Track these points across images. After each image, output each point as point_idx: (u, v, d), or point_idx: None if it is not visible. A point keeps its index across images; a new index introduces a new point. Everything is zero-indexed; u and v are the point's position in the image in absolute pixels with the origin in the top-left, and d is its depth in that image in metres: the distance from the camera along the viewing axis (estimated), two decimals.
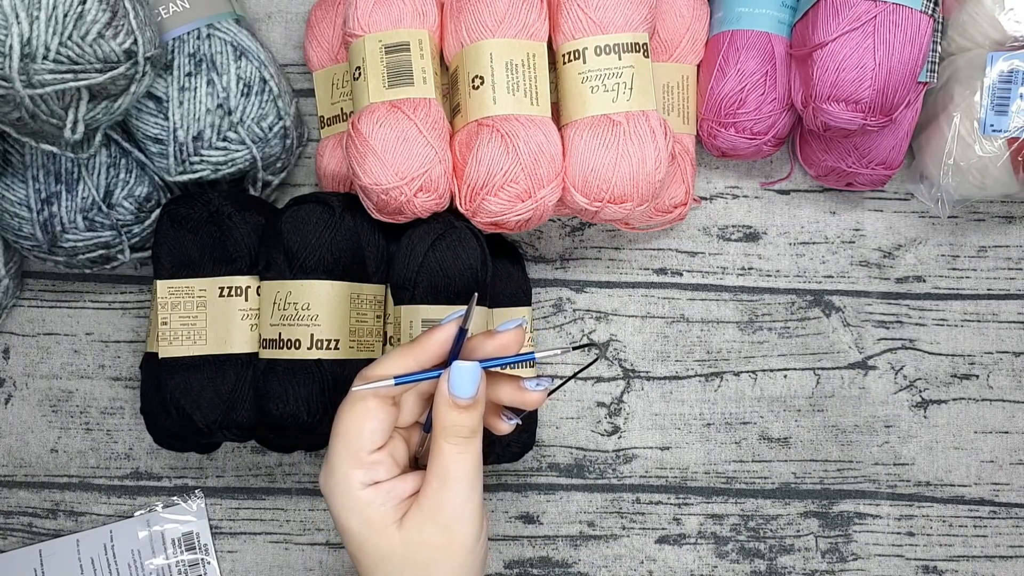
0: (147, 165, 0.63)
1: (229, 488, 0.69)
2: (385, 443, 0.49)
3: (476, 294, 0.49)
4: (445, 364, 0.49)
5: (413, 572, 0.47)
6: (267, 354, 0.59)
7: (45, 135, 0.56)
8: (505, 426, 0.51)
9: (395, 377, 0.48)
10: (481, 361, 0.48)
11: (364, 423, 0.48)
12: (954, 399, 0.69)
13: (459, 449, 0.47)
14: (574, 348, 0.52)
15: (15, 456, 0.69)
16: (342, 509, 0.48)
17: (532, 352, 0.49)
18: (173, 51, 0.61)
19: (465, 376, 0.47)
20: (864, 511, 0.69)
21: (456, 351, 0.49)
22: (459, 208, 0.59)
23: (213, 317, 0.60)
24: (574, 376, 0.58)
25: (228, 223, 0.60)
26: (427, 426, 0.51)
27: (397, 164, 0.57)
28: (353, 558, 0.49)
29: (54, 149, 0.57)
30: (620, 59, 0.58)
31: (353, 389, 0.48)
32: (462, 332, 0.48)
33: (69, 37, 0.51)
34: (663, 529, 0.69)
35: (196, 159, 0.61)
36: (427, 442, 0.51)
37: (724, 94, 0.64)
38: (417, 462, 0.53)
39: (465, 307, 0.49)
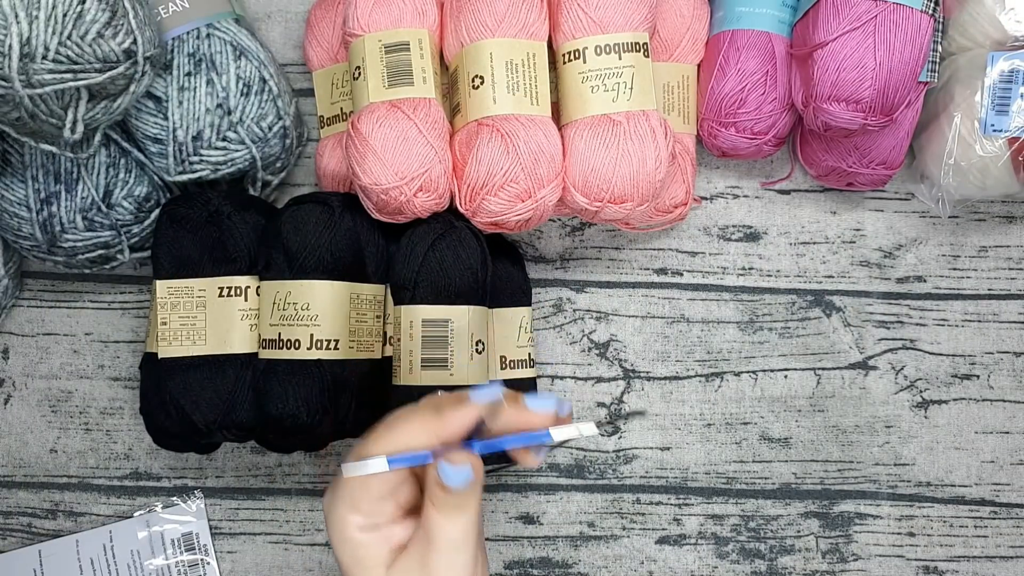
0: (146, 165, 0.62)
1: (229, 488, 0.69)
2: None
3: (503, 391, 0.45)
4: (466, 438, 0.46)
5: None
6: (267, 354, 0.59)
7: (44, 135, 0.56)
8: (534, 460, 0.48)
9: (390, 459, 0.45)
10: (488, 441, 0.45)
11: (369, 478, 0.46)
12: (955, 399, 0.69)
13: (446, 518, 0.45)
14: (599, 425, 0.46)
15: (14, 456, 0.69)
16: (336, 542, 0.47)
17: (546, 432, 0.45)
18: (172, 51, 0.61)
19: (455, 473, 0.44)
20: (865, 511, 0.69)
21: (473, 434, 0.46)
22: (459, 208, 0.59)
23: (213, 317, 0.60)
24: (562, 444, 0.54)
25: (228, 223, 0.60)
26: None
27: (397, 164, 0.57)
28: None
29: (53, 149, 0.57)
30: (620, 59, 0.58)
31: (345, 476, 0.45)
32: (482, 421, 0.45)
33: (68, 37, 0.51)
34: (663, 529, 0.69)
35: (195, 159, 0.61)
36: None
37: (724, 94, 0.64)
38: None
39: (496, 390, 0.45)
